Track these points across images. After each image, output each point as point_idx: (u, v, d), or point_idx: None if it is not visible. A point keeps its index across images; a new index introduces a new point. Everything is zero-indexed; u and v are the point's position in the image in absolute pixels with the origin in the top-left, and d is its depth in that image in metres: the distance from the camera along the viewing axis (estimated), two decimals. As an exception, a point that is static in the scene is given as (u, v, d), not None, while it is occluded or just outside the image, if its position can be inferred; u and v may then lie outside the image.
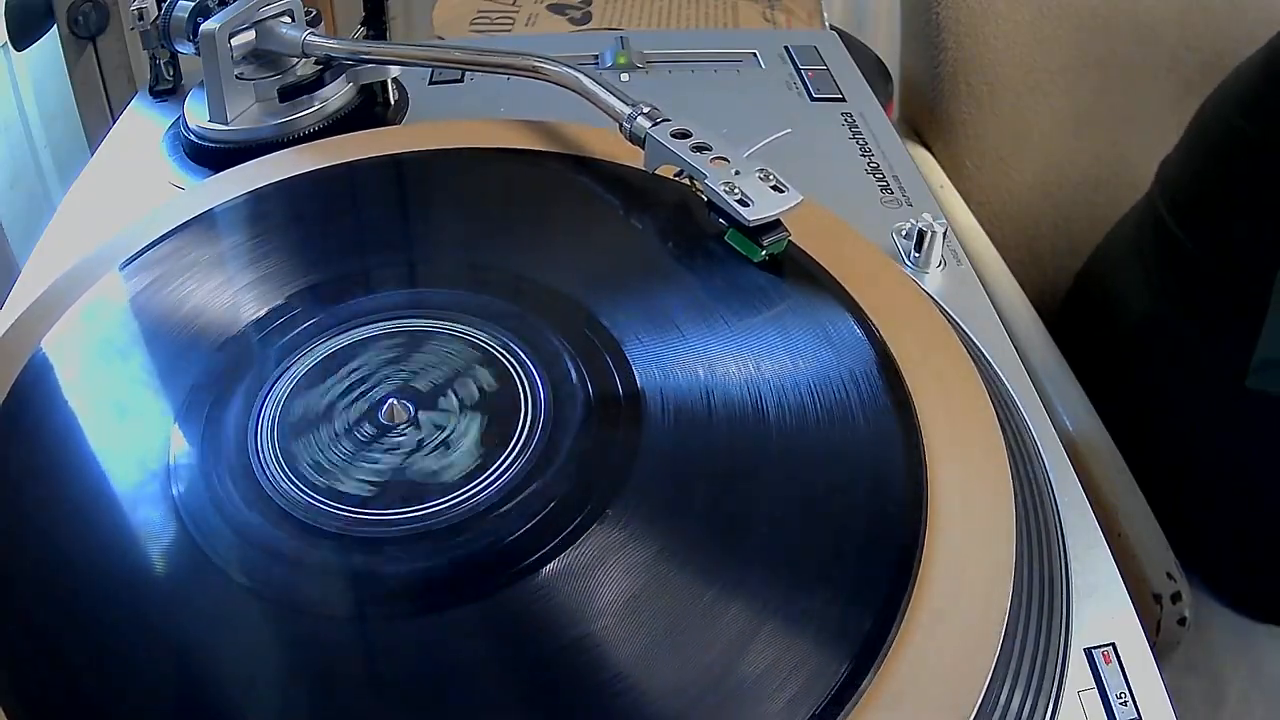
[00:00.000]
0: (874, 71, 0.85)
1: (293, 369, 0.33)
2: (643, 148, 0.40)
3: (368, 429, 0.31)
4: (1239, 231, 0.54)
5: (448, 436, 0.31)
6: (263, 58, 0.48)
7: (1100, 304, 0.68)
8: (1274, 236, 0.49)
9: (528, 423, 0.31)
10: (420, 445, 0.31)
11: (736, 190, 0.36)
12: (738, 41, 0.59)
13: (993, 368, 0.36)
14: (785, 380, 0.32)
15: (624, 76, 0.55)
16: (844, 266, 0.36)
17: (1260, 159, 0.52)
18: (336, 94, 0.48)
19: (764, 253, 0.36)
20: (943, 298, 0.39)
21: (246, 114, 0.48)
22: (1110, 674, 0.28)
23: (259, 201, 0.41)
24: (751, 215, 0.36)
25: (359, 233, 0.41)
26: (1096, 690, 0.27)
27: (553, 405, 0.32)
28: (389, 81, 0.50)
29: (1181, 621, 0.45)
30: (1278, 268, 0.48)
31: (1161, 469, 0.51)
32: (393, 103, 0.51)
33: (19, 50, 0.69)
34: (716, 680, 0.25)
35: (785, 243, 0.36)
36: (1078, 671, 0.28)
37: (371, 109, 0.50)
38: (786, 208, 0.36)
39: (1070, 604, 0.29)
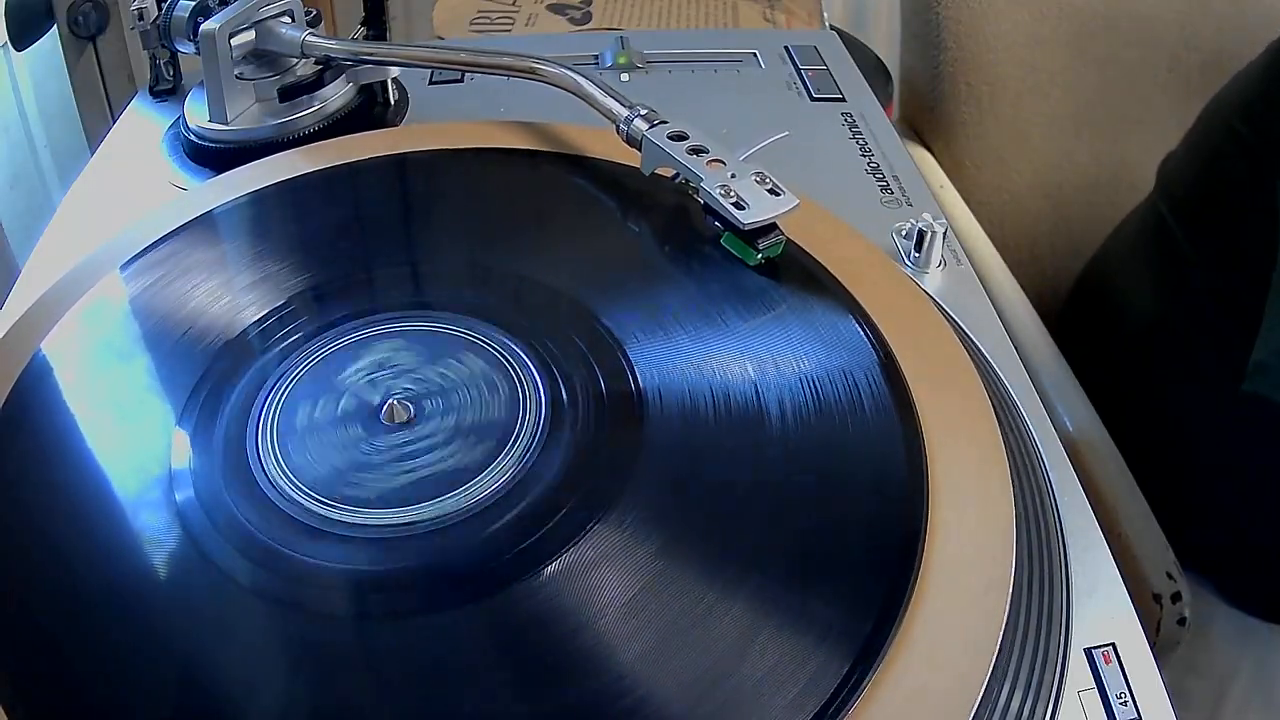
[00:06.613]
0: (874, 71, 0.85)
1: (293, 371, 0.33)
2: (640, 150, 0.40)
3: (368, 429, 0.31)
4: (1238, 235, 0.54)
5: (448, 437, 0.31)
6: (263, 58, 0.48)
7: (1102, 305, 0.68)
8: (1271, 241, 0.49)
9: (528, 422, 0.31)
10: (420, 445, 0.31)
11: (732, 193, 0.36)
12: (738, 41, 0.59)
13: (993, 368, 0.36)
14: (786, 381, 0.32)
15: (624, 76, 0.55)
16: (844, 267, 0.36)
17: (1258, 164, 0.53)
18: (336, 94, 0.48)
19: (760, 256, 0.36)
20: (943, 298, 0.39)
21: (246, 114, 0.48)
22: (1110, 674, 0.28)
23: (259, 203, 0.41)
24: (746, 219, 0.35)
25: (359, 234, 0.41)
26: (1096, 690, 0.27)
27: (553, 405, 0.32)
28: (389, 82, 0.50)
29: (1181, 621, 0.45)
30: (1274, 271, 0.48)
31: (1161, 469, 0.51)
32: (393, 103, 0.51)
33: (19, 50, 0.69)
34: (717, 681, 0.25)
35: (781, 246, 0.36)
36: (1078, 671, 0.28)
37: (371, 109, 0.50)
38: (782, 211, 0.36)
39: (1070, 604, 0.29)
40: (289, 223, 0.41)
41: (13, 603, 0.27)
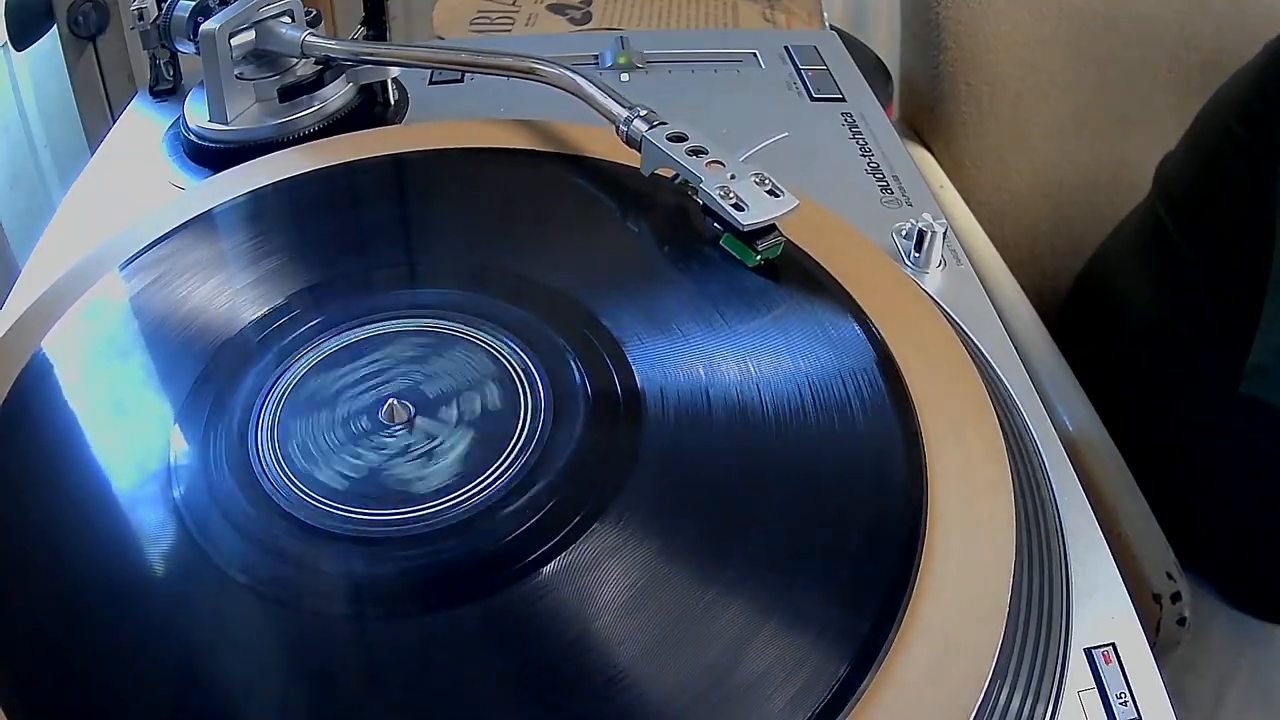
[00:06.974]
0: (874, 71, 0.85)
1: (293, 369, 0.33)
2: (639, 150, 0.40)
3: (367, 429, 0.31)
4: (1235, 235, 0.54)
5: (447, 436, 0.31)
6: (263, 58, 0.48)
7: (1101, 305, 0.68)
8: (1269, 241, 0.49)
9: (528, 422, 0.31)
10: (419, 445, 0.31)
11: (731, 195, 0.36)
12: (738, 41, 0.59)
13: (993, 368, 0.36)
14: (785, 381, 0.32)
15: (624, 77, 0.55)
16: (843, 267, 0.36)
17: (1256, 164, 0.53)
18: (336, 94, 0.48)
19: (759, 257, 0.36)
20: (943, 298, 0.39)
21: (246, 114, 0.48)
22: (1110, 674, 0.28)
23: (259, 202, 0.41)
24: (746, 220, 0.35)
25: (359, 233, 0.41)
26: (1096, 690, 0.27)
27: (553, 405, 0.32)
28: (389, 82, 0.50)
29: (1181, 621, 0.45)
30: (1272, 271, 0.48)
31: (1161, 469, 0.51)
32: (393, 103, 0.51)
33: (19, 50, 0.69)
34: (716, 680, 0.25)
35: (780, 248, 0.36)
36: (1078, 671, 0.28)
37: (371, 109, 0.50)
38: (781, 213, 0.36)
39: (1070, 604, 0.29)
40: (288, 222, 0.41)
41: (13, 602, 0.27)
